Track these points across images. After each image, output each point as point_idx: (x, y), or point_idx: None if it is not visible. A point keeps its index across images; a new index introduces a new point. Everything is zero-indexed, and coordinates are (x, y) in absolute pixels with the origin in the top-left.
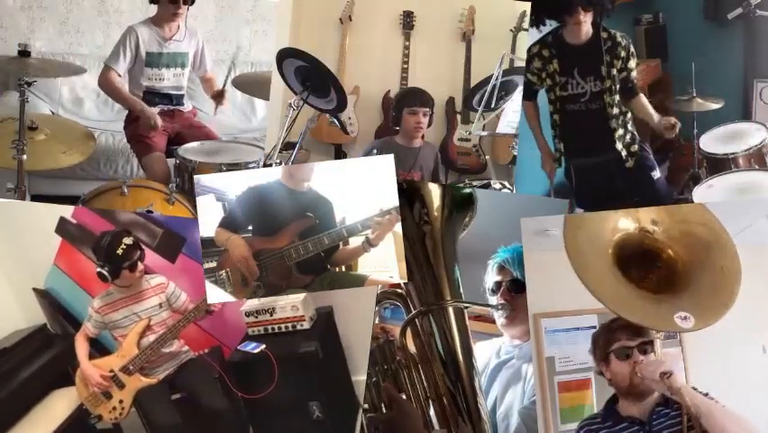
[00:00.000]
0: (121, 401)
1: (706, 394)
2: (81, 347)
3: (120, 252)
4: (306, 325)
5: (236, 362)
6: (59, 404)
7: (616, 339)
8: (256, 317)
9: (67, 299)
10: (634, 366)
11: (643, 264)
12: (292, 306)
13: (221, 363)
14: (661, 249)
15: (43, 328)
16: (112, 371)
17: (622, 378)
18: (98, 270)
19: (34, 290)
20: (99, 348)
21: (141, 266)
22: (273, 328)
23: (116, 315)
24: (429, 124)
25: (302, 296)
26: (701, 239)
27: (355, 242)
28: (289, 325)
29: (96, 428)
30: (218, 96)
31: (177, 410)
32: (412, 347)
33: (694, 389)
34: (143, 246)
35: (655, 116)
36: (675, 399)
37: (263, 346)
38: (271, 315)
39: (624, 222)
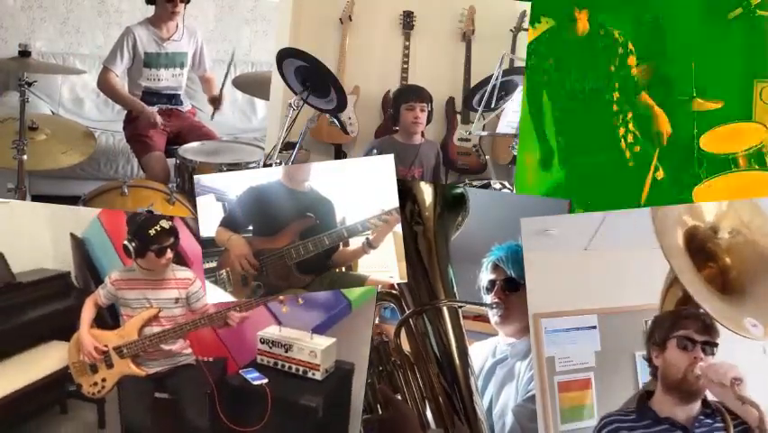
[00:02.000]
0: (104, 380)
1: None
2: (87, 312)
3: (152, 232)
4: (319, 376)
5: (233, 385)
6: (54, 355)
7: (683, 326)
8: (269, 348)
9: (98, 255)
10: (693, 361)
11: (695, 259)
12: (311, 351)
13: (219, 378)
14: (720, 256)
15: (66, 276)
16: (106, 346)
17: (677, 370)
18: (125, 242)
19: (71, 235)
20: (114, 315)
21: (170, 254)
22: (283, 366)
23: (129, 294)
24: (429, 121)
25: (326, 343)
26: (763, 250)
27: (355, 243)
28: (301, 369)
29: (79, 393)
30: (215, 101)
31: (155, 410)
32: (407, 348)
33: None
34: (189, 232)
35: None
36: (742, 410)
37: (265, 381)
38: (286, 351)
39: (708, 208)
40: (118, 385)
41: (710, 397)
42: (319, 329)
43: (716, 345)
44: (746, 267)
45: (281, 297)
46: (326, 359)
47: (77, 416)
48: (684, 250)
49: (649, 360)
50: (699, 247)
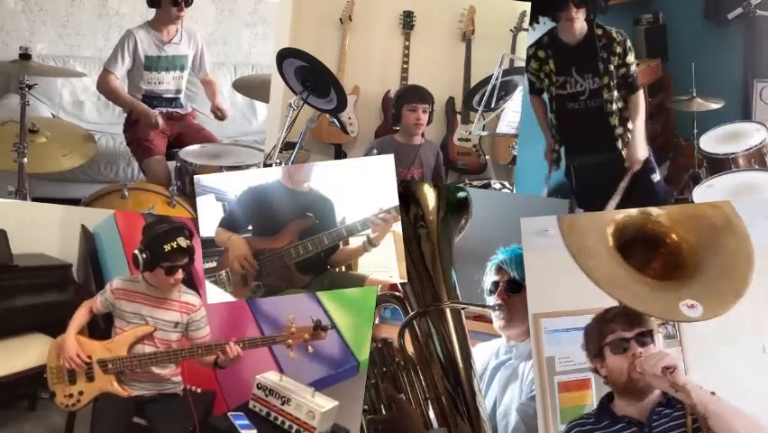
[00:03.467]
0: (81, 393)
1: (712, 393)
2: (79, 317)
3: (167, 248)
4: None
5: (217, 428)
6: (34, 350)
7: (610, 330)
8: (265, 395)
9: (105, 253)
10: (632, 360)
11: (645, 250)
12: (309, 410)
13: (204, 415)
14: (664, 233)
15: (68, 268)
16: (90, 357)
17: (619, 374)
18: (135, 251)
19: (82, 226)
20: (109, 321)
21: (180, 275)
22: (276, 418)
23: (127, 306)
24: (429, 122)
25: (328, 406)
26: (710, 220)
27: (355, 242)
28: (294, 427)
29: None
30: (220, 117)
31: None
32: (410, 349)
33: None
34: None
35: (639, 132)
36: (679, 397)
37: (254, 432)
38: (283, 403)
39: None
40: (95, 401)
41: None
42: (320, 384)
43: (649, 332)
44: (698, 240)
45: (290, 340)
46: (324, 422)
47: (44, 416)
48: (608, 247)
49: (595, 371)
50: (639, 235)
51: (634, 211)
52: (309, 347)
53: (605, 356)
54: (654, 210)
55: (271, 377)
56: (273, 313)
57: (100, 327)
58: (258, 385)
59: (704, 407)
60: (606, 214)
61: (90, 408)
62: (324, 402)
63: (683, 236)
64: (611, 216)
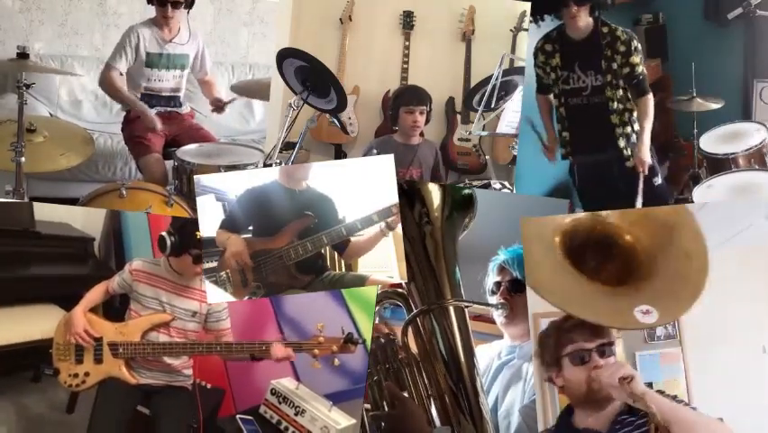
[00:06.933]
0: (86, 374)
1: (674, 397)
2: (93, 294)
3: (199, 235)
4: None
5: (222, 429)
6: (46, 321)
7: (570, 341)
8: (278, 402)
9: (130, 233)
10: (593, 371)
11: (598, 255)
12: (324, 426)
13: (211, 413)
14: (616, 234)
15: (89, 241)
16: (100, 338)
17: (578, 385)
18: (163, 233)
19: None
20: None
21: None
22: (287, 428)
23: (146, 289)
24: (427, 122)
25: (345, 423)
26: (663, 219)
27: (370, 231)
28: None
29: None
30: (219, 109)
31: (131, 424)
32: (413, 346)
33: (661, 392)
34: None
35: (646, 135)
36: (639, 406)
37: None
38: (296, 414)
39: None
40: (100, 385)
41: None
42: (337, 397)
43: (611, 343)
44: (652, 241)
45: (317, 350)
46: None
47: (47, 390)
48: (555, 255)
49: (550, 381)
50: (590, 239)
51: (583, 215)
52: (336, 360)
53: (562, 367)
54: (604, 212)
55: (287, 384)
56: (297, 317)
57: (115, 307)
58: (272, 391)
59: (665, 415)
60: (555, 218)
61: (94, 388)
62: (341, 419)
63: (638, 237)
64: (560, 220)
